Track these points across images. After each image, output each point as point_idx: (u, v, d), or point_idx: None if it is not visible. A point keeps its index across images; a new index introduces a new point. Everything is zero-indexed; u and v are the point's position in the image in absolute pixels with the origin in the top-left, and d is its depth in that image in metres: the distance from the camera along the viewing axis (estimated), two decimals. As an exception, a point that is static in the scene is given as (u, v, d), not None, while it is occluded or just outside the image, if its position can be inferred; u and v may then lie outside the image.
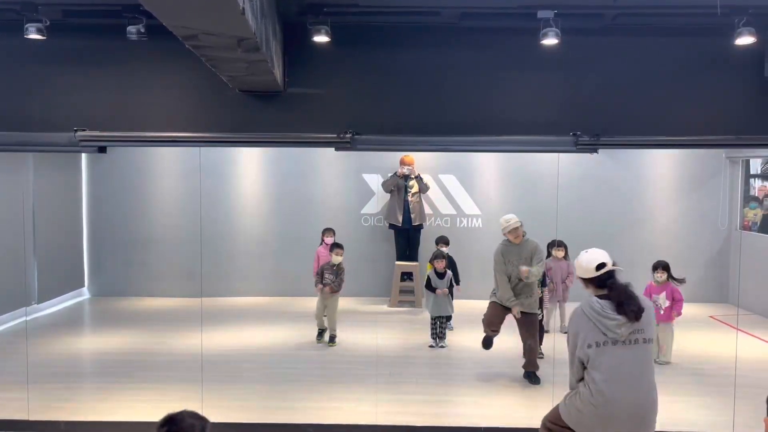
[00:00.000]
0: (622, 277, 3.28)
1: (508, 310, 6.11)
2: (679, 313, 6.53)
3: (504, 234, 6.14)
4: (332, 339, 7.24)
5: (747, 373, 6.04)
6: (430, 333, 7.23)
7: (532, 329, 6.12)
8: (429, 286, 7.15)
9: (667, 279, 6.47)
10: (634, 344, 3.09)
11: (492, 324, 6.17)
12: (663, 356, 6.53)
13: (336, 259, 7.27)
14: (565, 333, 3.57)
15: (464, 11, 5.09)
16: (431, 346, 7.13)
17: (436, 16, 5.16)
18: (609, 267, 3.22)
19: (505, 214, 6.29)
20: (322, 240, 8.41)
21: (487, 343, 6.29)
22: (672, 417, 5.16)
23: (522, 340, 6.14)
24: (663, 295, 6.50)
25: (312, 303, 8.59)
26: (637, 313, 3.08)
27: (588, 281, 3.27)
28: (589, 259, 3.25)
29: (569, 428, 3.29)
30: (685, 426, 5.02)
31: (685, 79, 5.31)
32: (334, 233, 8.40)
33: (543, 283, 6.74)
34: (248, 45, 3.96)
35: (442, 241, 7.94)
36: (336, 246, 7.42)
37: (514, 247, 6.10)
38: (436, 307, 7.13)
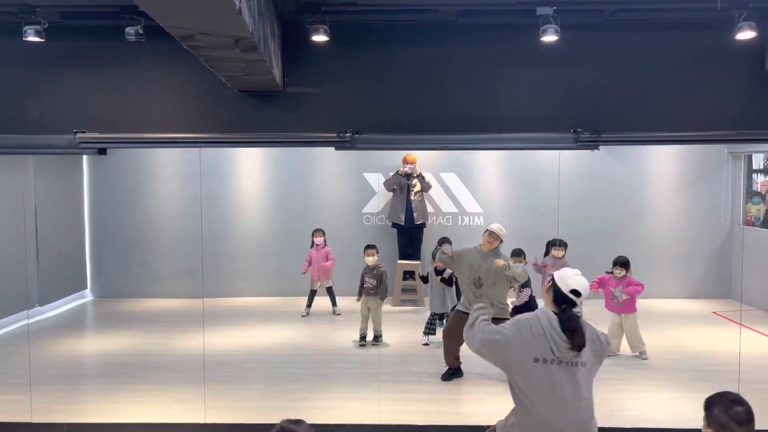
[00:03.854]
0: (578, 310, 3.25)
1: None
2: (631, 295, 6.57)
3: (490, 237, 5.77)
4: (377, 338, 7.19)
5: (750, 369, 6.02)
6: (424, 330, 7.23)
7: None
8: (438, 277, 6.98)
9: (626, 275, 6.61)
10: (573, 366, 3.09)
11: (452, 341, 5.83)
12: (637, 350, 6.63)
13: (369, 260, 7.19)
14: None
15: (462, 9, 5.09)
16: (426, 344, 7.13)
17: (434, 14, 5.16)
18: (579, 300, 3.19)
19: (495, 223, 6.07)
20: (312, 242, 8.45)
21: (449, 374, 5.98)
22: (676, 413, 5.15)
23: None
24: (620, 288, 6.59)
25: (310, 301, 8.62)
26: (579, 346, 3.07)
27: (554, 291, 3.21)
28: (576, 282, 3.19)
29: None
30: (689, 423, 4.99)
31: (685, 75, 5.29)
32: (323, 233, 8.43)
33: (525, 285, 6.48)
34: (246, 45, 3.96)
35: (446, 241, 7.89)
36: (368, 247, 7.30)
37: (480, 253, 5.77)
38: (440, 304, 7.09)
